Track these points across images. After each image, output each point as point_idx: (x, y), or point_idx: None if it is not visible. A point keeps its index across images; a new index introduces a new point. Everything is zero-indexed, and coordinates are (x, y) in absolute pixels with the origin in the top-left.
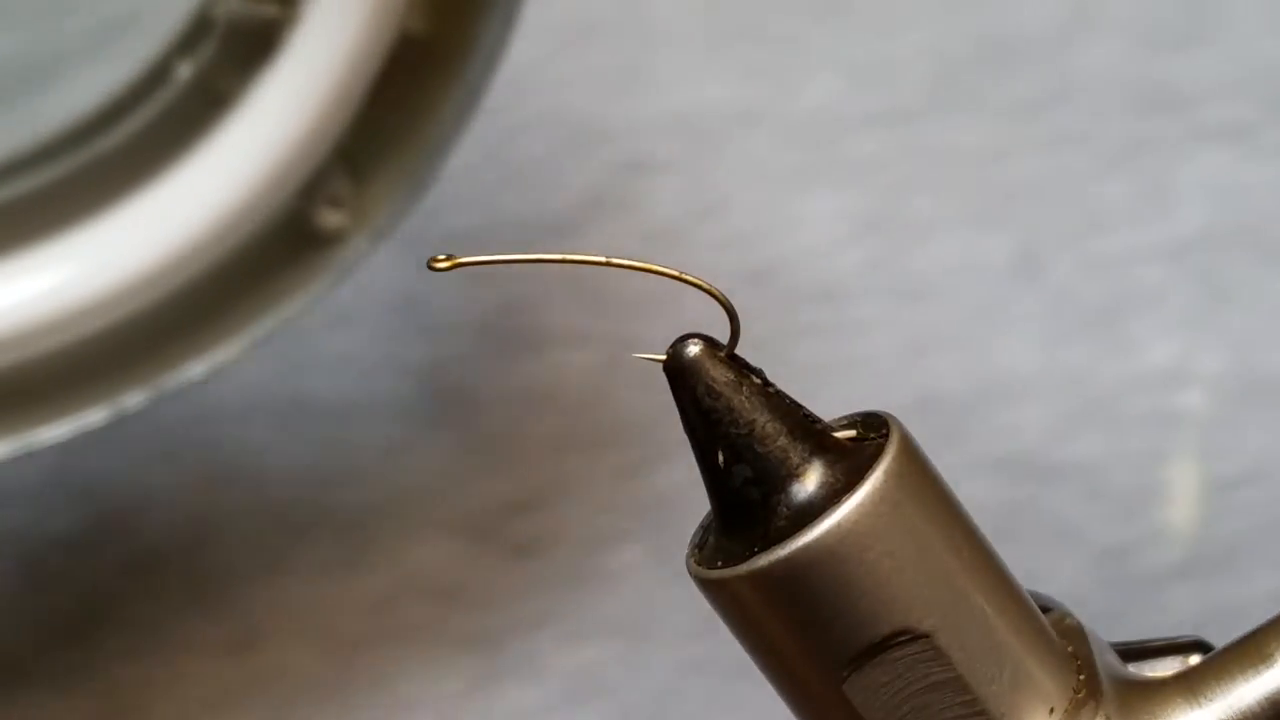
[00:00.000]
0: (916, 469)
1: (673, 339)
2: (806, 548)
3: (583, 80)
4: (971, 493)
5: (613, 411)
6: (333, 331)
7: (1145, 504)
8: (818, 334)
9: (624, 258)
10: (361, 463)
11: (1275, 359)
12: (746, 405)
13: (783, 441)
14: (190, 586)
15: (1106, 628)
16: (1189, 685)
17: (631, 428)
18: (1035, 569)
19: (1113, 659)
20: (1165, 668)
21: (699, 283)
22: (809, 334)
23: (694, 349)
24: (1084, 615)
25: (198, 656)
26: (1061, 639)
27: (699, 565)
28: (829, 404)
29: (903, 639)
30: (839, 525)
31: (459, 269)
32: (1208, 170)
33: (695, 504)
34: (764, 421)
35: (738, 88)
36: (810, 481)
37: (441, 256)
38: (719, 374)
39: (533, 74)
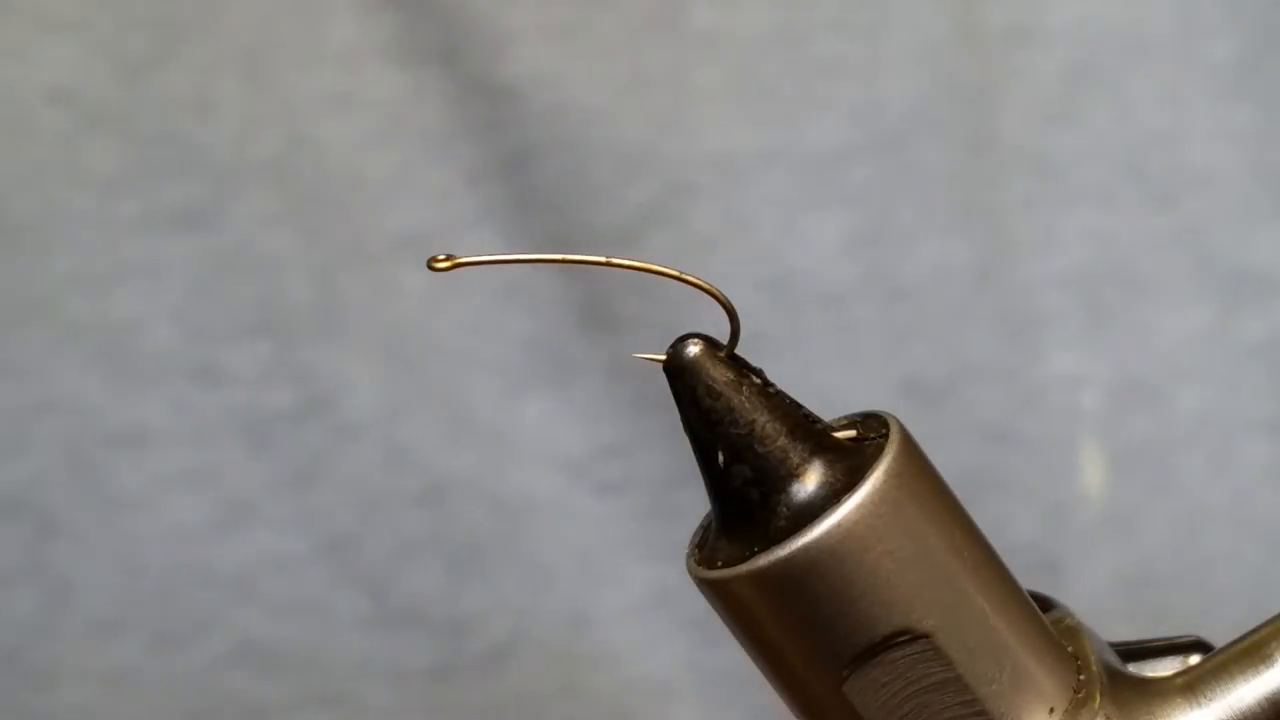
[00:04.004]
0: (917, 469)
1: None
2: (806, 548)
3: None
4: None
5: None
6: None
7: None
8: (820, 332)
9: (624, 258)
10: None
11: (1146, 365)
12: (746, 405)
13: (783, 441)
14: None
15: (1049, 578)
16: (1189, 685)
17: None
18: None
19: (1113, 659)
20: (1165, 668)
21: (699, 283)
22: (814, 333)
23: (694, 349)
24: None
25: None
26: (1061, 639)
27: (699, 565)
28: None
29: (903, 639)
30: (839, 525)
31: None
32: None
33: None
34: (764, 421)
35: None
36: (810, 481)
37: (441, 256)
38: (719, 374)
39: (598, 116)
